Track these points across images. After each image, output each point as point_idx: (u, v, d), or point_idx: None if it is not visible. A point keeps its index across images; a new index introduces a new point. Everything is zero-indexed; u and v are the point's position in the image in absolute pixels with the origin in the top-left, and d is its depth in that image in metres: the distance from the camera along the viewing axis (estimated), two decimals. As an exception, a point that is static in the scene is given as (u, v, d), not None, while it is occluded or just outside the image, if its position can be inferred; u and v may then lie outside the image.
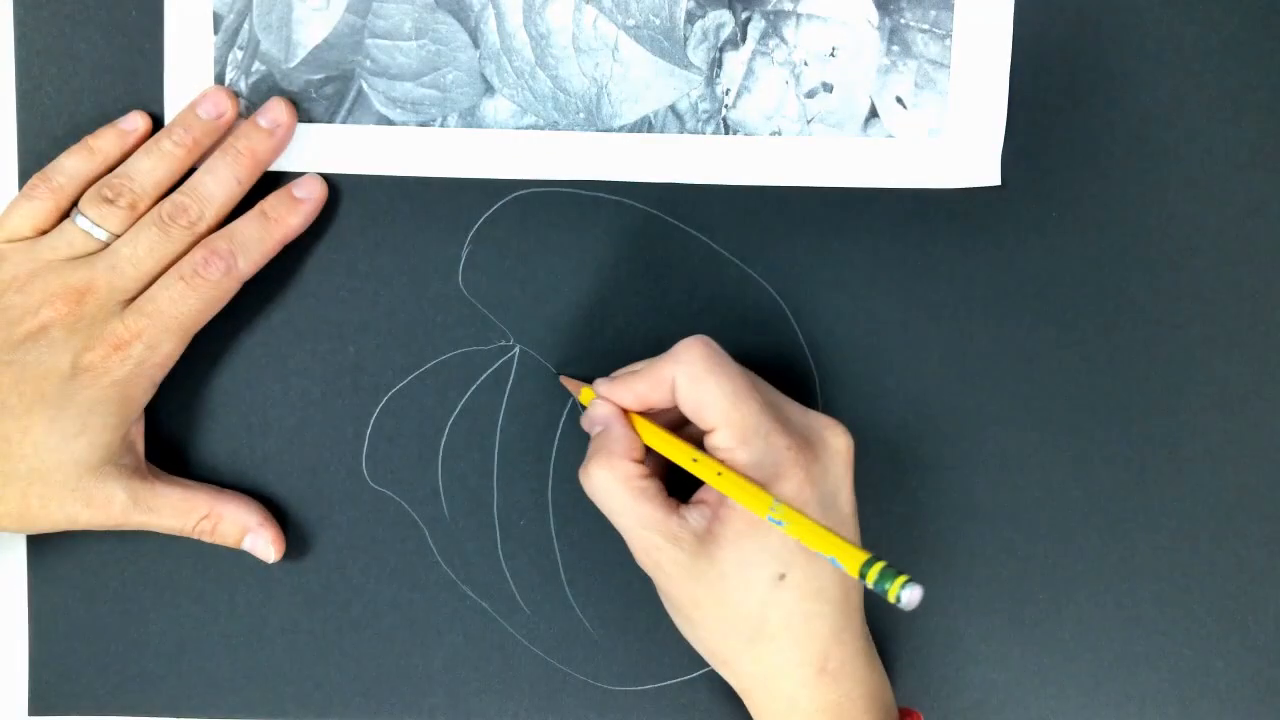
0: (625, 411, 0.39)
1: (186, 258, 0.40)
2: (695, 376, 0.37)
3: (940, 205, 0.43)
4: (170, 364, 0.41)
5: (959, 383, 0.44)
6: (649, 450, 0.39)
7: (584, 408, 0.40)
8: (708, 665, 0.44)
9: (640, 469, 0.38)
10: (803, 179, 0.43)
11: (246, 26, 0.43)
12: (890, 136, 0.43)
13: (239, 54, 0.43)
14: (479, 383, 0.44)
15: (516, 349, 0.44)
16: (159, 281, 0.40)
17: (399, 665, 0.44)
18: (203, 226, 0.41)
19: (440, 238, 0.43)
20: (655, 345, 0.42)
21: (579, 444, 0.44)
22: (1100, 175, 0.43)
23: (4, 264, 0.40)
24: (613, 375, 0.40)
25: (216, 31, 0.43)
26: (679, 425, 0.40)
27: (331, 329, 0.44)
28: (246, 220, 0.41)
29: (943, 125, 0.43)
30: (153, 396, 0.41)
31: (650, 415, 0.39)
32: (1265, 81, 0.43)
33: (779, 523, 0.34)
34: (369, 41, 0.43)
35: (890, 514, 0.44)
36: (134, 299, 0.40)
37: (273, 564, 0.43)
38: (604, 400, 0.39)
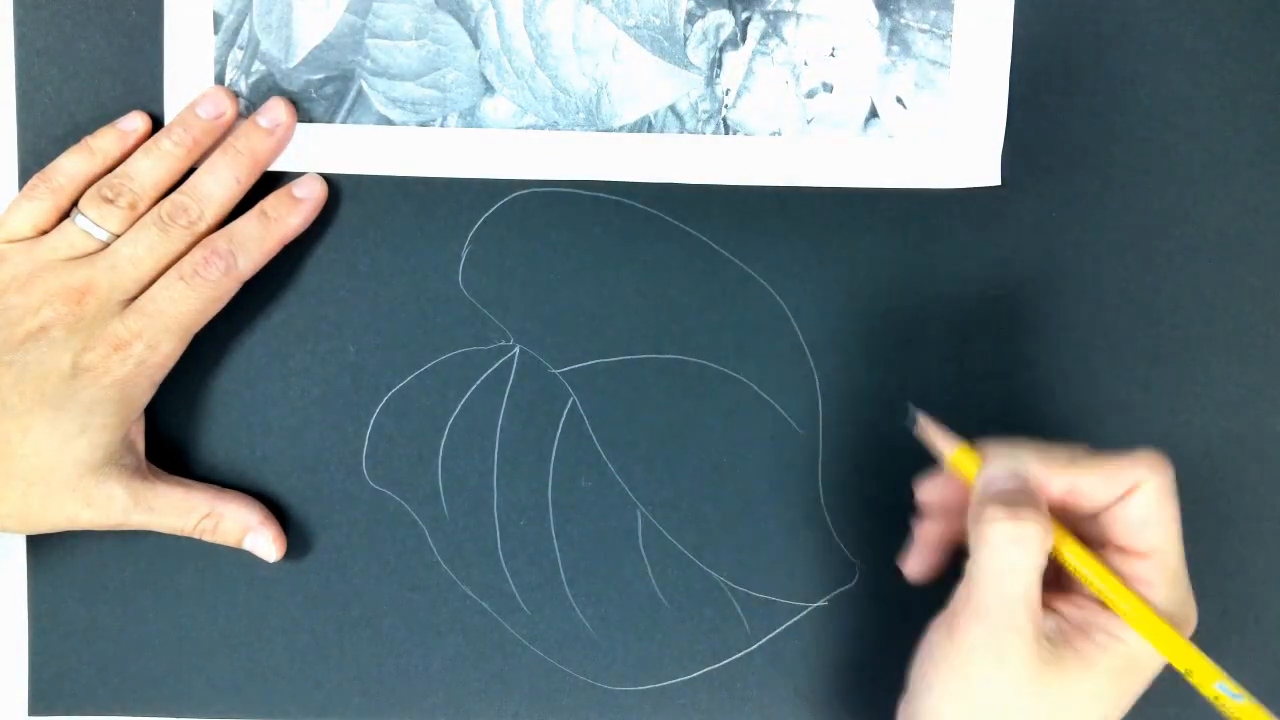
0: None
1: (186, 257, 0.40)
2: (1163, 492, 0.33)
3: (940, 205, 0.43)
4: (170, 364, 0.41)
5: (959, 383, 0.44)
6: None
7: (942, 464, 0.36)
8: (707, 665, 0.44)
9: (1046, 554, 0.33)
10: (803, 179, 0.43)
11: (246, 26, 0.43)
12: (890, 136, 0.43)
13: (239, 54, 0.43)
14: (479, 383, 0.44)
15: (516, 349, 0.44)
16: (159, 281, 0.40)
17: (399, 665, 0.44)
18: (203, 226, 0.41)
19: (440, 238, 0.43)
20: (655, 345, 0.42)
21: (579, 444, 0.44)
22: (1100, 175, 0.43)
23: (4, 264, 0.40)
24: (1044, 450, 0.34)
25: (216, 31, 0.43)
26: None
27: (331, 329, 0.44)
28: (246, 220, 0.41)
29: (943, 125, 0.43)
30: (153, 396, 0.41)
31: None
32: (1265, 81, 0.43)
33: (1236, 696, 0.32)
34: (369, 41, 0.43)
35: (890, 514, 0.44)
36: (134, 299, 0.40)
37: (273, 564, 0.43)
38: (1022, 473, 0.34)
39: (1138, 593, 0.33)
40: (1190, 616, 0.34)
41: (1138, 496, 0.33)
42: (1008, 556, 0.32)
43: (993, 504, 0.33)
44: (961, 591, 0.34)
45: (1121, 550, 0.34)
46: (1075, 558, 0.34)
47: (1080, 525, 0.35)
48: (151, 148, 0.41)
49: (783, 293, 0.44)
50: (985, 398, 0.44)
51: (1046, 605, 0.34)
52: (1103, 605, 0.34)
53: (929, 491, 0.38)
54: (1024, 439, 0.35)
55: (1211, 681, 0.32)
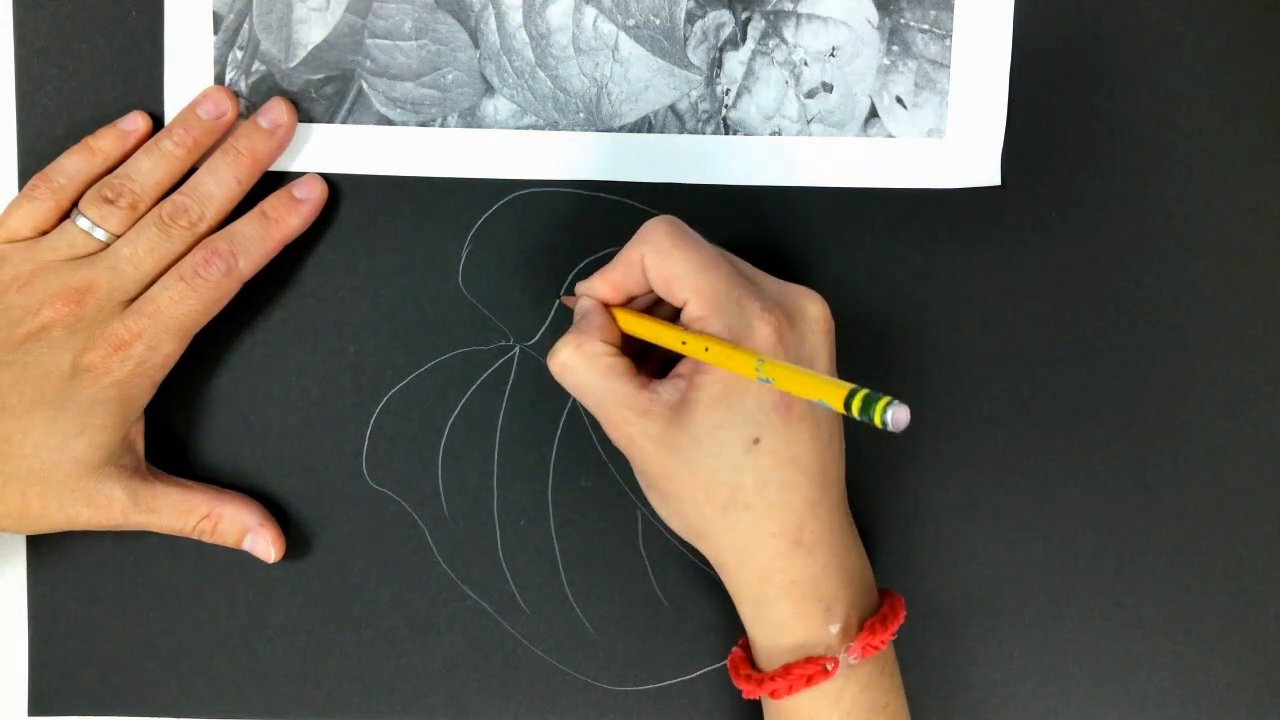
0: (606, 306, 0.39)
1: (187, 258, 0.40)
2: (662, 250, 0.37)
3: (940, 205, 0.43)
4: (170, 364, 0.41)
5: (959, 383, 0.44)
6: (634, 344, 0.39)
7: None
8: (707, 665, 0.44)
9: (609, 348, 0.38)
10: (803, 179, 0.43)
11: (246, 26, 0.43)
12: (890, 136, 0.43)
13: (239, 54, 0.43)
14: (479, 383, 0.44)
15: (516, 349, 0.44)
16: (159, 282, 0.40)
17: (399, 665, 0.44)
18: (203, 227, 0.41)
19: (440, 238, 0.43)
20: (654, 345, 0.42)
21: (579, 444, 0.44)
22: (1100, 175, 0.43)
23: (4, 264, 0.40)
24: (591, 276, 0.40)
25: (216, 31, 0.43)
26: (670, 318, 0.39)
27: (331, 329, 0.44)
28: (247, 220, 0.41)
29: (943, 125, 0.43)
30: (153, 396, 0.41)
31: (638, 309, 0.39)
32: (1265, 81, 0.43)
33: (767, 380, 0.34)
34: (369, 41, 0.43)
35: (890, 514, 0.44)
36: (134, 299, 0.40)
37: (273, 564, 0.43)
38: (584, 295, 0.39)
39: (695, 330, 0.37)
40: (759, 328, 0.36)
41: (647, 267, 0.37)
42: (570, 379, 0.38)
43: (558, 342, 0.38)
44: None
45: (681, 307, 0.37)
46: (647, 335, 0.38)
47: (664, 310, 0.40)
48: (152, 148, 0.41)
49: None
50: (985, 397, 0.44)
51: (671, 375, 0.38)
52: (687, 357, 0.38)
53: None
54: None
55: (750, 372, 0.34)
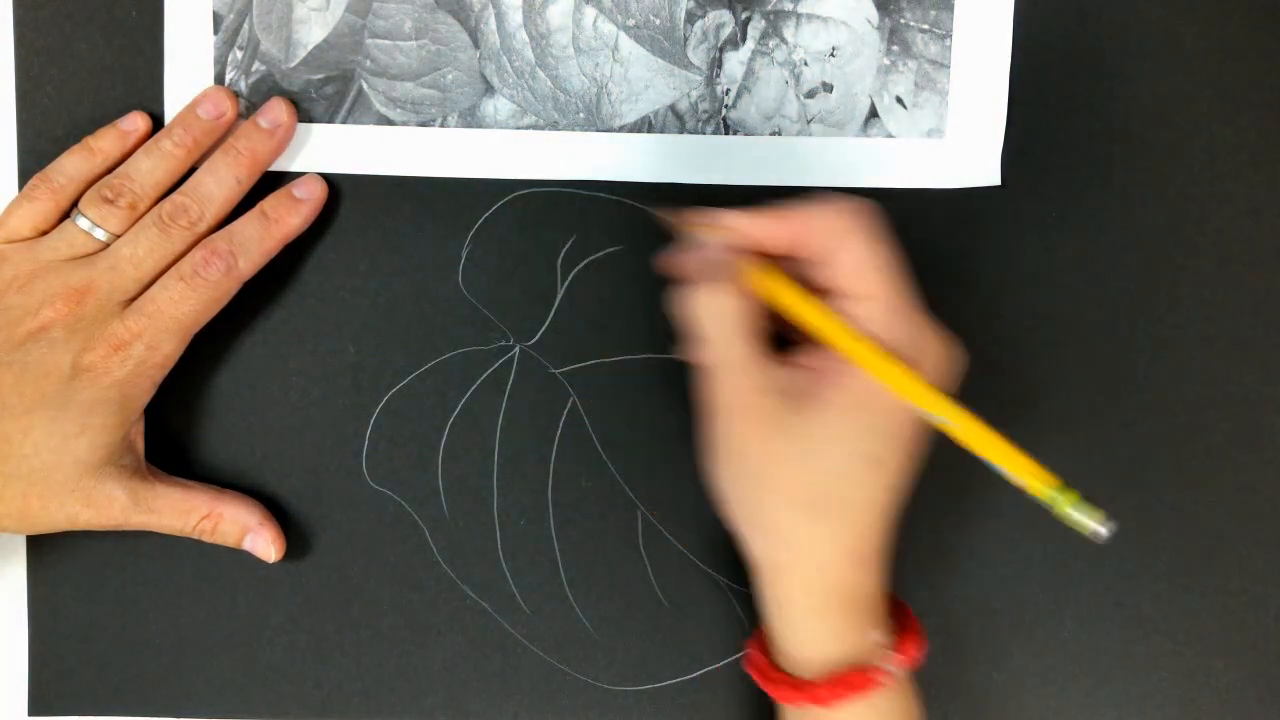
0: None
1: (186, 258, 0.40)
2: (870, 236, 0.35)
3: (940, 205, 0.43)
4: (170, 364, 0.41)
5: (958, 382, 0.44)
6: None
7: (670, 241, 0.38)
8: (707, 665, 0.44)
9: (754, 304, 0.35)
10: (803, 179, 0.43)
11: (246, 26, 0.43)
12: (890, 136, 0.43)
13: (239, 54, 0.43)
14: (479, 383, 0.44)
15: (516, 349, 0.44)
16: (159, 282, 0.40)
17: (399, 665, 0.44)
18: (203, 227, 0.41)
19: (440, 238, 0.43)
20: (655, 345, 0.42)
21: (579, 444, 0.44)
22: (1100, 175, 0.43)
23: (4, 264, 0.40)
24: (738, 210, 0.37)
25: (216, 31, 0.43)
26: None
27: (331, 329, 0.44)
28: (246, 220, 0.41)
29: (943, 125, 0.43)
30: (153, 396, 0.41)
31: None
32: (1265, 81, 0.43)
33: (953, 424, 0.32)
34: (369, 41, 0.43)
35: (890, 514, 0.44)
36: (134, 299, 0.40)
37: (273, 564, 0.43)
38: (726, 228, 0.36)
39: (864, 331, 0.34)
40: (925, 352, 0.35)
41: (848, 244, 0.35)
42: (708, 326, 0.35)
43: (704, 281, 0.36)
44: None
45: (845, 296, 0.35)
46: (794, 305, 0.35)
47: (809, 275, 0.37)
48: (152, 148, 0.41)
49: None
50: (984, 397, 0.44)
51: (791, 361, 0.36)
52: (832, 350, 0.35)
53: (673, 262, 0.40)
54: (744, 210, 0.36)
55: (925, 399, 0.33)
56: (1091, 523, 0.29)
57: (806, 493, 0.35)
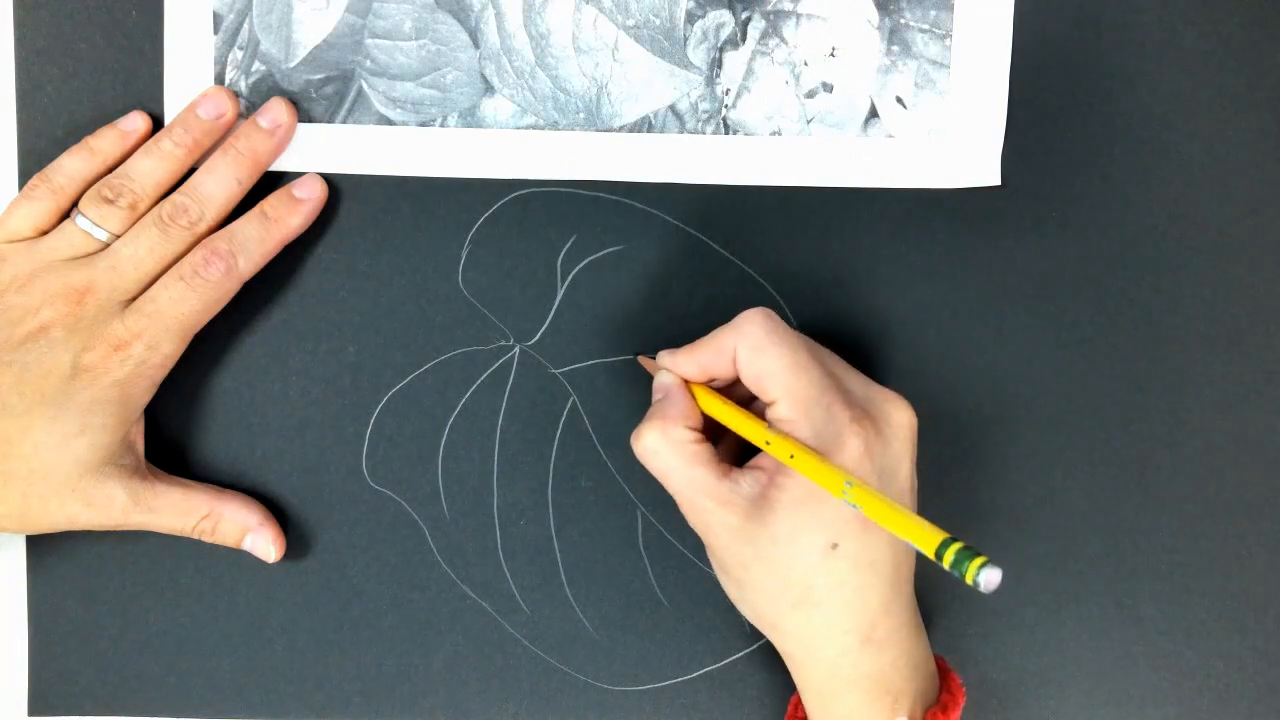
0: (688, 383, 0.39)
1: (186, 258, 0.40)
2: (756, 346, 0.37)
3: (940, 205, 0.43)
4: (170, 364, 0.41)
5: (959, 383, 0.44)
6: (708, 421, 0.39)
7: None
8: (707, 665, 0.44)
9: (693, 434, 0.38)
10: (803, 179, 0.43)
11: (246, 26, 0.43)
12: (890, 136, 0.43)
13: (239, 54, 0.43)
14: (479, 383, 0.44)
15: (516, 349, 0.44)
16: (159, 282, 0.40)
17: (399, 665, 0.44)
18: (203, 227, 0.41)
19: (440, 238, 0.43)
20: (655, 345, 0.42)
21: (579, 444, 0.44)
22: (1100, 175, 0.43)
23: (4, 264, 0.40)
24: (680, 349, 0.40)
25: (216, 31, 0.43)
26: (746, 401, 0.40)
27: (331, 329, 0.44)
28: (246, 220, 0.41)
29: (943, 125, 0.43)
30: (153, 396, 0.41)
31: (718, 390, 0.40)
32: (1265, 81, 0.43)
33: (854, 505, 0.34)
34: (369, 41, 0.43)
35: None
36: (134, 299, 0.40)
37: (273, 564, 0.43)
38: (667, 370, 0.40)
39: (781, 431, 0.37)
40: (847, 435, 0.36)
41: (739, 358, 0.37)
42: (653, 462, 0.38)
43: (644, 422, 0.38)
44: None
45: (764, 402, 0.38)
46: (729, 423, 0.38)
47: (741, 391, 0.39)
48: (152, 148, 0.41)
49: (783, 293, 0.44)
50: (984, 397, 0.44)
51: (750, 465, 0.38)
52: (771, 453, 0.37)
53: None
54: (690, 344, 0.39)
55: (837, 492, 0.34)
56: (973, 573, 0.30)
57: (785, 592, 0.37)
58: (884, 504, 0.33)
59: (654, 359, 0.41)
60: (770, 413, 0.37)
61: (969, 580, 0.31)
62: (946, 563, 0.31)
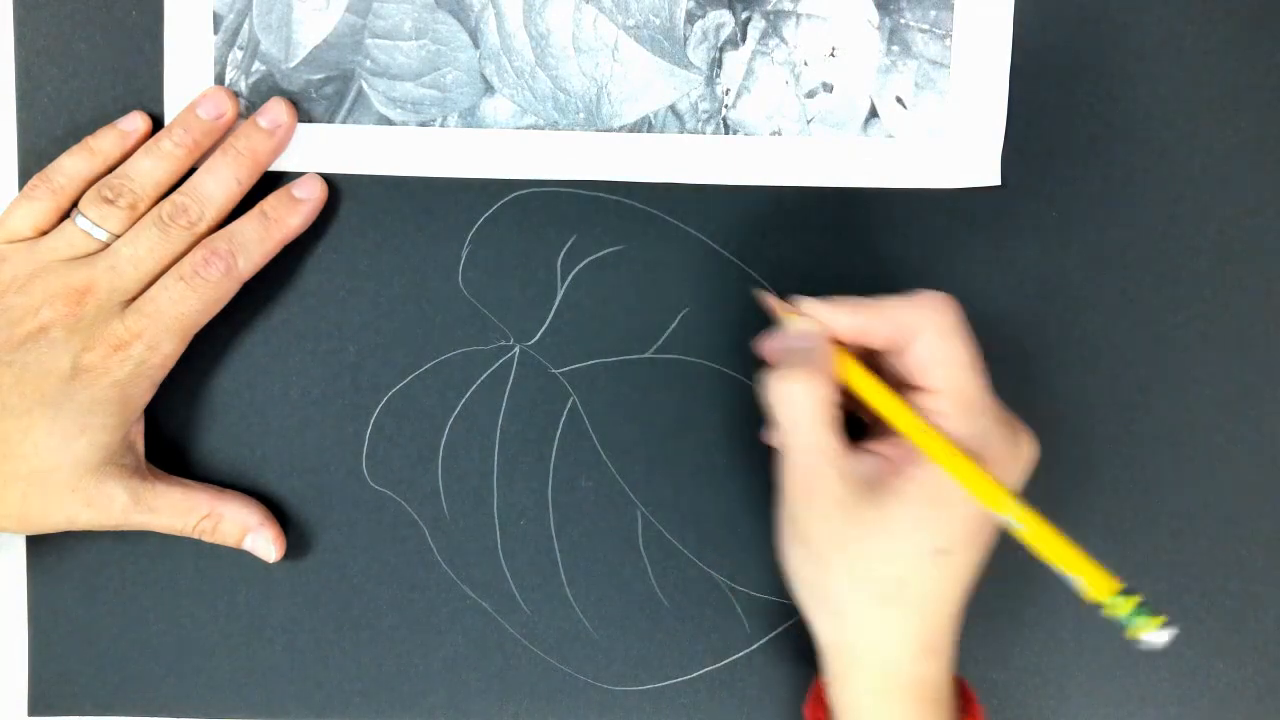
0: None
1: (186, 258, 0.40)
2: (945, 332, 0.36)
3: (940, 205, 0.43)
4: (170, 364, 0.41)
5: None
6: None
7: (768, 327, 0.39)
8: (707, 665, 0.44)
9: (837, 396, 0.36)
10: (803, 179, 0.43)
11: (246, 26, 0.43)
12: (890, 136, 0.43)
13: (239, 54, 0.43)
14: (479, 383, 0.44)
15: (516, 349, 0.44)
16: (159, 282, 0.40)
17: (399, 665, 0.44)
18: (203, 227, 0.41)
19: (440, 238, 0.43)
20: (655, 345, 0.42)
21: (579, 444, 0.44)
22: (1100, 175, 0.43)
23: (4, 264, 0.40)
24: (833, 299, 0.38)
25: (216, 31, 0.43)
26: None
27: (331, 329, 0.44)
28: (246, 220, 0.41)
29: (943, 125, 0.43)
30: (153, 396, 0.41)
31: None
32: (1265, 81, 0.43)
33: (1016, 523, 0.33)
34: (369, 41, 0.43)
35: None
36: (134, 299, 0.40)
37: (273, 564, 0.43)
38: (813, 316, 0.37)
39: (933, 424, 0.35)
40: (994, 448, 0.35)
41: (922, 338, 0.36)
42: (787, 412, 0.36)
43: (788, 369, 0.36)
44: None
45: (920, 389, 0.36)
46: (875, 402, 0.36)
47: (890, 365, 0.38)
48: (152, 148, 0.41)
49: (783, 293, 0.44)
50: (985, 398, 0.44)
51: (865, 448, 0.37)
52: (905, 440, 0.36)
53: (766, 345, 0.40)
54: (840, 297, 0.38)
55: (1001, 510, 0.33)
56: (1147, 633, 0.29)
57: (874, 582, 0.36)
58: (1055, 536, 0.32)
59: (779, 300, 0.39)
60: (923, 402, 0.36)
61: (1133, 635, 0.29)
62: (1118, 612, 0.30)
